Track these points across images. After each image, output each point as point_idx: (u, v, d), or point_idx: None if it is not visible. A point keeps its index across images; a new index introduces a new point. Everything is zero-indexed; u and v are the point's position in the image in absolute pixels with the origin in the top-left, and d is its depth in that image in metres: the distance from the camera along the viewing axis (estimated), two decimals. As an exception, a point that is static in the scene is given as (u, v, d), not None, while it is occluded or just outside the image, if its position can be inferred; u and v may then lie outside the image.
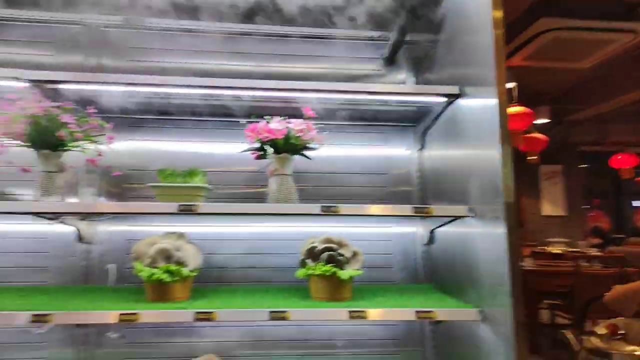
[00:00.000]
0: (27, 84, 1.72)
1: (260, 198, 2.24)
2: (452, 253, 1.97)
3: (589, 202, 10.65)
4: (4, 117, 1.64)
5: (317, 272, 1.77)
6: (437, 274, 2.16)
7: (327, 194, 2.32)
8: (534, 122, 7.88)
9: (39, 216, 1.79)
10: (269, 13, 2.16)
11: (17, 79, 1.68)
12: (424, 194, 2.32)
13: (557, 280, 4.59)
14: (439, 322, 2.11)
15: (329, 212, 1.69)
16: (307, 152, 1.91)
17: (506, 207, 1.48)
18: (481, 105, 1.63)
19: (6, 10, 2.19)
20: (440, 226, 2.08)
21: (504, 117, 1.52)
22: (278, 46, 2.39)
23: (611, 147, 9.47)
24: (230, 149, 2.26)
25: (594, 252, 6.38)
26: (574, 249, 6.76)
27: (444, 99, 1.91)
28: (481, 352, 1.63)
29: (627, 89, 7.35)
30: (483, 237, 1.62)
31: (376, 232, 2.30)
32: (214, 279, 2.19)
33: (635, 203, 11.37)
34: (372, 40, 2.43)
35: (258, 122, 1.84)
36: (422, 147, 2.35)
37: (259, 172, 2.24)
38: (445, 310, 1.63)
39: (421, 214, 1.74)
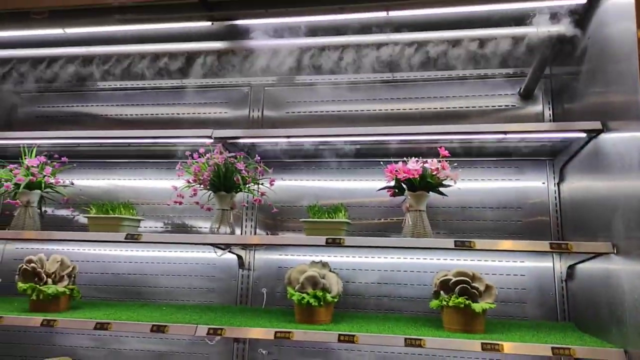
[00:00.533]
0: (212, 140, 2.16)
1: (394, 230, 2.41)
2: (594, 290, 1.90)
3: None
4: (196, 167, 2.09)
5: (451, 303, 1.86)
6: (578, 312, 2.08)
7: (460, 227, 2.40)
8: None
9: (215, 246, 2.20)
10: (410, 60, 2.36)
11: (209, 137, 2.13)
12: (562, 227, 2.27)
13: None
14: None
15: (463, 247, 1.79)
16: (441, 189, 2.05)
17: (654, 245, 1.44)
18: (627, 138, 1.61)
19: (190, 80, 2.75)
20: (580, 262, 2.02)
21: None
22: (418, 89, 2.58)
23: None
24: (367, 185, 2.50)
25: None
26: None
27: (584, 135, 1.90)
28: (629, 397, 1.56)
29: None
30: (629, 274, 1.57)
31: (509, 266, 2.30)
32: (350, 306, 2.40)
33: None
34: (509, 76, 2.49)
35: (397, 162, 2.04)
36: (561, 180, 2.31)
37: (390, 207, 2.42)
38: (585, 349, 1.60)
39: (559, 250, 1.75)
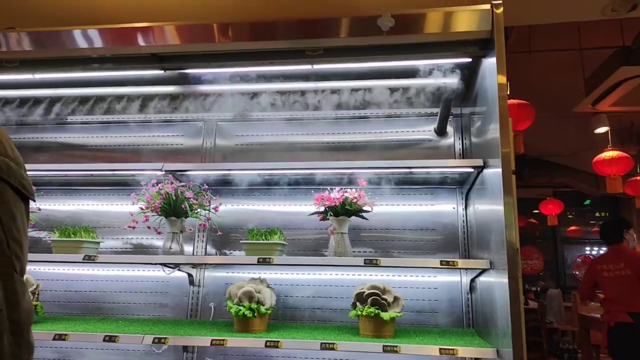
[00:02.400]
0: (163, 172, 2.47)
1: (327, 249, 2.73)
2: (484, 300, 2.25)
3: None
4: (148, 196, 2.39)
5: (364, 313, 2.18)
6: (477, 319, 2.43)
7: (384, 246, 2.74)
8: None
9: (165, 265, 2.49)
10: (347, 101, 2.70)
11: (160, 170, 2.44)
12: (468, 245, 2.63)
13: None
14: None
15: (371, 264, 2.13)
16: (362, 214, 2.38)
17: (508, 258, 1.78)
18: (494, 172, 1.97)
19: (151, 115, 3.07)
20: (477, 276, 2.37)
21: (507, 179, 1.84)
22: (354, 125, 2.94)
23: None
24: (305, 209, 2.81)
25: None
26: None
27: (474, 170, 2.27)
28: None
29: None
30: (499, 285, 1.92)
31: (424, 280, 2.63)
32: (288, 317, 2.70)
33: None
34: (427, 115, 2.87)
35: (325, 189, 2.38)
36: (466, 205, 2.68)
37: (324, 229, 2.73)
38: (467, 349, 1.93)
39: (447, 267, 2.09)
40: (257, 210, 2.93)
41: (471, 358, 2.10)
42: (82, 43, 2.32)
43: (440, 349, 1.96)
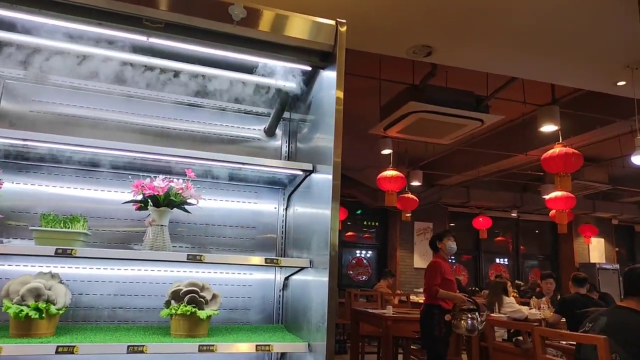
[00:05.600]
0: None
1: (139, 242, 2.48)
2: (297, 297, 2.38)
3: (456, 257, 12.06)
4: None
5: (179, 311, 2.05)
6: (288, 316, 2.55)
7: (203, 242, 2.63)
8: (412, 184, 8.94)
9: None
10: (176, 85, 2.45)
11: None
12: (285, 245, 2.74)
13: (411, 326, 5.24)
14: (283, 354, 2.47)
15: (194, 260, 2.02)
16: (186, 207, 2.23)
17: (331, 258, 1.92)
18: (324, 178, 2.10)
19: None
20: (292, 274, 2.49)
21: (336, 186, 1.98)
22: (180, 112, 2.72)
23: (474, 209, 11.00)
24: (115, 197, 2.50)
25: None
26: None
27: (302, 173, 2.37)
28: (307, 378, 2.02)
29: (484, 163, 8.74)
30: (316, 283, 2.05)
31: (240, 278, 2.63)
32: (81, 318, 2.34)
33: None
34: (259, 114, 2.86)
35: (147, 177, 2.14)
36: (288, 206, 2.79)
37: (138, 220, 2.49)
38: (281, 344, 2.01)
39: (272, 265, 2.14)
40: (52, 194, 2.46)
41: (281, 353, 2.18)
42: None
43: (256, 345, 1.98)
